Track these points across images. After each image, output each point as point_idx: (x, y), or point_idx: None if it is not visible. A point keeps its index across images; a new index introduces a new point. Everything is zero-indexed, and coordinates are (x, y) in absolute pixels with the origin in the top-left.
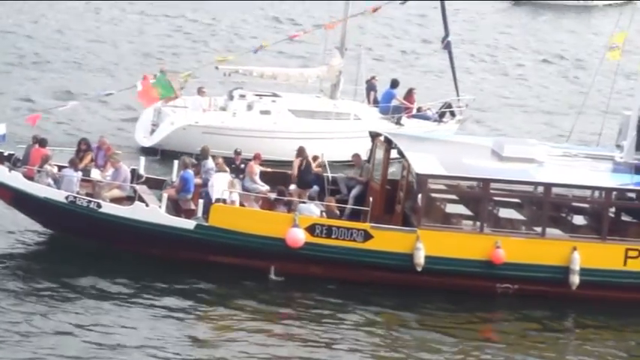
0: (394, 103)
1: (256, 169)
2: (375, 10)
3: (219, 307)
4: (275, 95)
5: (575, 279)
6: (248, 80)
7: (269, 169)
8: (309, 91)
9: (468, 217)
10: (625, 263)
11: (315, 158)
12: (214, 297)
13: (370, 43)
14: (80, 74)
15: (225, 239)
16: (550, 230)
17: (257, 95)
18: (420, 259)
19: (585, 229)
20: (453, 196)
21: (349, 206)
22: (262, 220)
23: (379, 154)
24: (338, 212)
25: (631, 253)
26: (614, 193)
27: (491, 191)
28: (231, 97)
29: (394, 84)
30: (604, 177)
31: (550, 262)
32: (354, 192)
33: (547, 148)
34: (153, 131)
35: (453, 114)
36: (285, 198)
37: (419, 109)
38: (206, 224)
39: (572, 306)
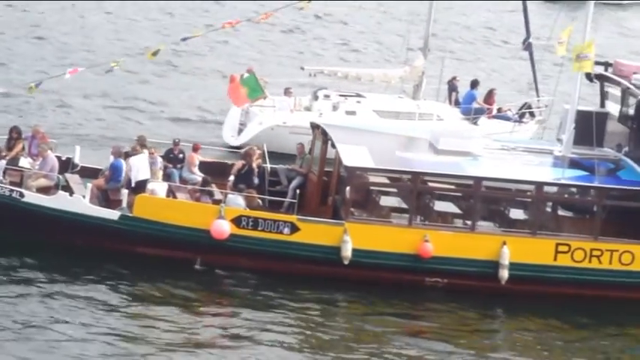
0: (475, 105)
1: (196, 159)
2: None
3: (143, 299)
4: (359, 96)
5: (505, 274)
6: (331, 81)
7: (209, 160)
8: (389, 92)
9: (396, 211)
10: (555, 258)
11: (252, 153)
12: (139, 289)
13: (452, 45)
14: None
15: (150, 230)
16: (480, 224)
17: (342, 96)
18: (347, 252)
19: (516, 224)
20: (382, 189)
21: (269, 197)
22: (187, 212)
23: (318, 145)
24: (260, 202)
25: (561, 248)
26: (545, 187)
27: (420, 184)
28: (315, 98)
29: (474, 84)
30: (537, 171)
31: (479, 257)
32: (294, 183)
33: (486, 141)
34: (241, 131)
35: (532, 114)
36: (207, 188)
37: (499, 110)
38: (130, 215)
39: (501, 301)
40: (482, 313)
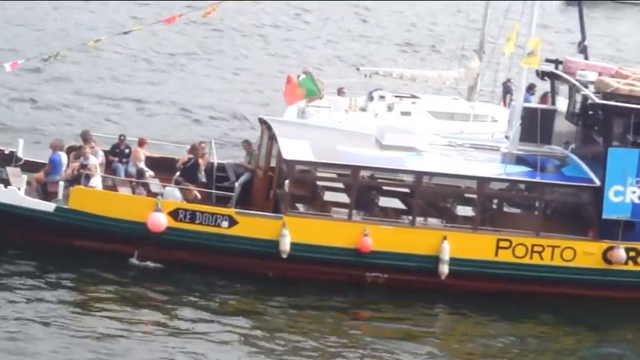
0: None
1: (141, 154)
2: None
3: (77, 292)
4: (414, 97)
5: (445, 269)
6: (385, 82)
7: (156, 155)
8: (444, 93)
9: (336, 205)
10: (496, 254)
11: (200, 148)
12: (74, 282)
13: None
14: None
15: (86, 223)
16: (420, 219)
17: (397, 97)
18: (285, 246)
19: (457, 219)
20: (322, 183)
21: (216, 192)
22: (123, 204)
23: (265, 140)
24: (198, 195)
25: (503, 244)
26: (486, 182)
27: (360, 179)
28: (371, 98)
29: (530, 88)
30: (479, 167)
31: (419, 252)
32: (242, 179)
33: (432, 137)
34: None
35: None
36: (142, 180)
37: None
38: (66, 207)
39: (442, 296)
40: (421, 311)
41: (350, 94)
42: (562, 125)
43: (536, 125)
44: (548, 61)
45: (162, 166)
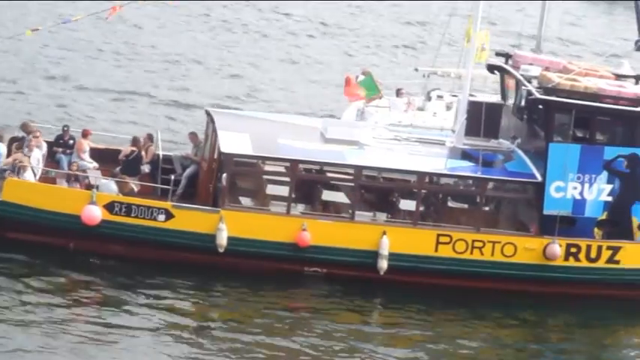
0: None
1: (85, 146)
2: None
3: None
4: (471, 96)
5: (384, 264)
6: (444, 81)
7: (101, 147)
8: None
9: (274, 198)
10: (436, 249)
11: (149, 139)
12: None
13: (563, 48)
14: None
15: (20, 215)
16: (360, 214)
17: (454, 96)
18: (222, 240)
19: (396, 214)
20: (260, 177)
21: (161, 185)
22: (58, 197)
23: (208, 132)
24: (135, 188)
25: (443, 239)
26: (426, 177)
27: (299, 172)
28: (429, 98)
29: None
30: (422, 161)
31: (358, 246)
32: (188, 171)
33: (378, 131)
34: None
35: None
36: (73, 172)
37: None
38: None
39: (381, 291)
40: (360, 306)
41: (408, 94)
42: (510, 120)
43: (484, 119)
44: (498, 55)
45: (106, 158)
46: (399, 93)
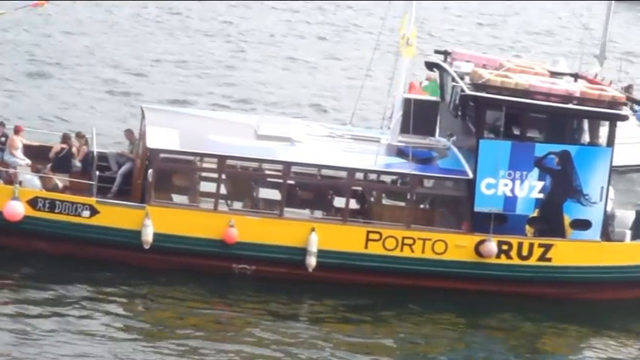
0: None
1: (18, 142)
2: None
3: None
4: None
5: (312, 261)
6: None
7: (34, 143)
8: None
9: (202, 195)
10: (366, 246)
11: (71, 137)
12: None
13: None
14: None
15: None
16: (289, 210)
17: None
18: (147, 236)
19: (326, 210)
20: (188, 173)
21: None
22: None
23: (142, 129)
24: (59, 184)
25: (372, 236)
26: (356, 173)
27: (227, 168)
28: None
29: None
30: (353, 158)
31: (287, 243)
32: (123, 169)
33: (313, 128)
34: None
35: None
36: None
37: None
38: None
39: (310, 289)
40: (288, 304)
41: None
42: (447, 117)
43: (419, 117)
44: (437, 52)
45: (40, 155)
46: None
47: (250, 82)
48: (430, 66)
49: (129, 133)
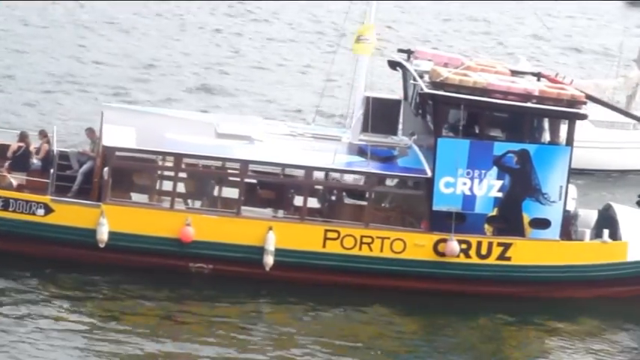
0: None
1: None
2: None
3: None
4: None
5: (270, 260)
6: None
7: None
8: None
9: (159, 193)
10: (324, 245)
11: (28, 135)
12: None
13: None
14: None
15: None
16: (246, 209)
17: None
18: (102, 235)
19: (284, 209)
20: (144, 171)
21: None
22: None
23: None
24: (13, 182)
25: (330, 235)
26: (314, 172)
27: (184, 167)
28: None
29: None
30: (312, 156)
31: (244, 242)
32: (84, 167)
33: (274, 127)
34: None
35: None
36: None
37: None
38: None
39: (268, 288)
40: (244, 302)
41: None
42: (409, 116)
43: (381, 116)
44: (400, 51)
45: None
46: None
47: (221, 85)
48: (393, 65)
49: (90, 131)
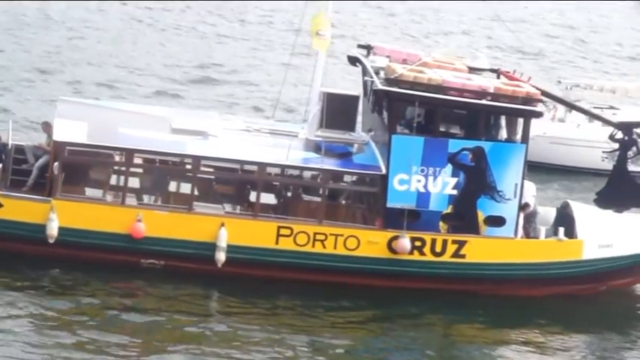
0: None
1: None
2: None
3: None
4: (613, 108)
5: (222, 256)
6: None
7: None
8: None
9: (110, 189)
10: (277, 241)
11: None
12: None
13: None
14: None
15: None
16: (199, 205)
17: (596, 108)
18: (52, 230)
19: (236, 205)
20: (95, 166)
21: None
22: None
23: None
24: None
25: (283, 231)
26: (267, 168)
27: (135, 162)
28: (570, 110)
29: None
30: (266, 152)
31: (196, 238)
32: (40, 162)
33: (231, 123)
34: None
35: None
36: None
37: None
38: None
39: (220, 284)
40: (198, 298)
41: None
42: (367, 112)
43: (338, 111)
44: (360, 46)
45: None
46: (544, 105)
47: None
48: (353, 61)
49: (46, 125)
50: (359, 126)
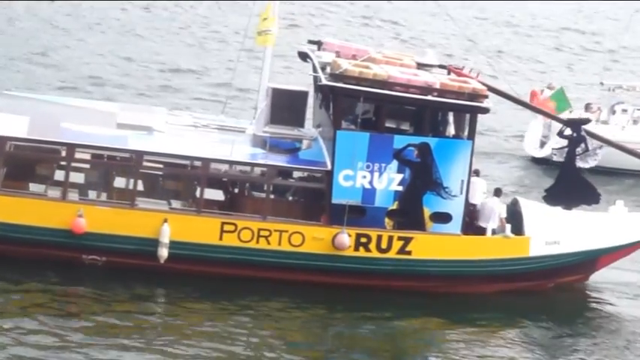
0: None
1: None
2: None
3: None
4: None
5: (164, 252)
6: (630, 95)
7: None
8: None
9: (51, 184)
10: (221, 237)
11: None
12: None
13: None
14: None
15: None
16: (141, 200)
17: (638, 110)
18: None
19: (180, 201)
20: (36, 161)
21: None
22: None
23: None
24: None
25: (227, 227)
26: (211, 163)
27: (76, 157)
28: (613, 112)
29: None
30: (210, 148)
31: (138, 234)
32: None
33: (177, 118)
34: (543, 144)
35: None
36: None
37: None
38: None
39: (164, 280)
40: (140, 294)
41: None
42: (317, 108)
43: (286, 107)
44: (310, 42)
45: None
46: (588, 107)
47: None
48: (303, 56)
49: None
50: (309, 122)
